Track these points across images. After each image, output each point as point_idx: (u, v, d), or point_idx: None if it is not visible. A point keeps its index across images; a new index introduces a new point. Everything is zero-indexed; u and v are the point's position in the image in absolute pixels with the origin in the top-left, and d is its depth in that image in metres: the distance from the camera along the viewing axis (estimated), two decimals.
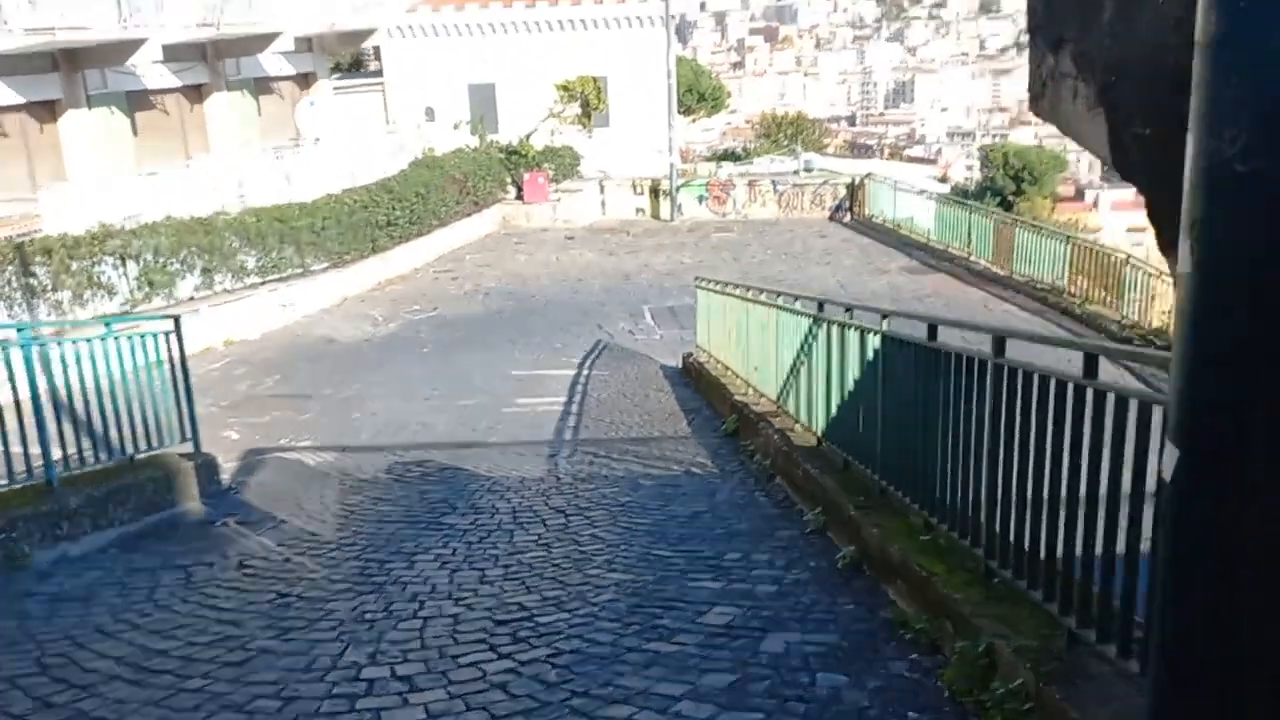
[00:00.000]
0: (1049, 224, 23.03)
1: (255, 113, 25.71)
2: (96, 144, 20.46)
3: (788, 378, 8.45)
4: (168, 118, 22.90)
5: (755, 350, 9.84)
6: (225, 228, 16.42)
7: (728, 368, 11.56)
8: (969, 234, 21.58)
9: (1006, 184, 40.57)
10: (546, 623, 4.78)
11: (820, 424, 7.28)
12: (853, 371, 6.40)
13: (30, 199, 17.45)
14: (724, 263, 22.54)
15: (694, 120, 49.64)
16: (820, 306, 7.27)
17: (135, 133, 21.89)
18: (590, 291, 20.35)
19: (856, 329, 6.26)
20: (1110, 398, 3.30)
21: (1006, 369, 4.11)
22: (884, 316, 5.77)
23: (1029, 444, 3.93)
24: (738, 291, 10.96)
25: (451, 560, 6.01)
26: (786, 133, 47.05)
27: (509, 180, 26.94)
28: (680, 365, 14.33)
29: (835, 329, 6.78)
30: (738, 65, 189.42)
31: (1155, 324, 17.15)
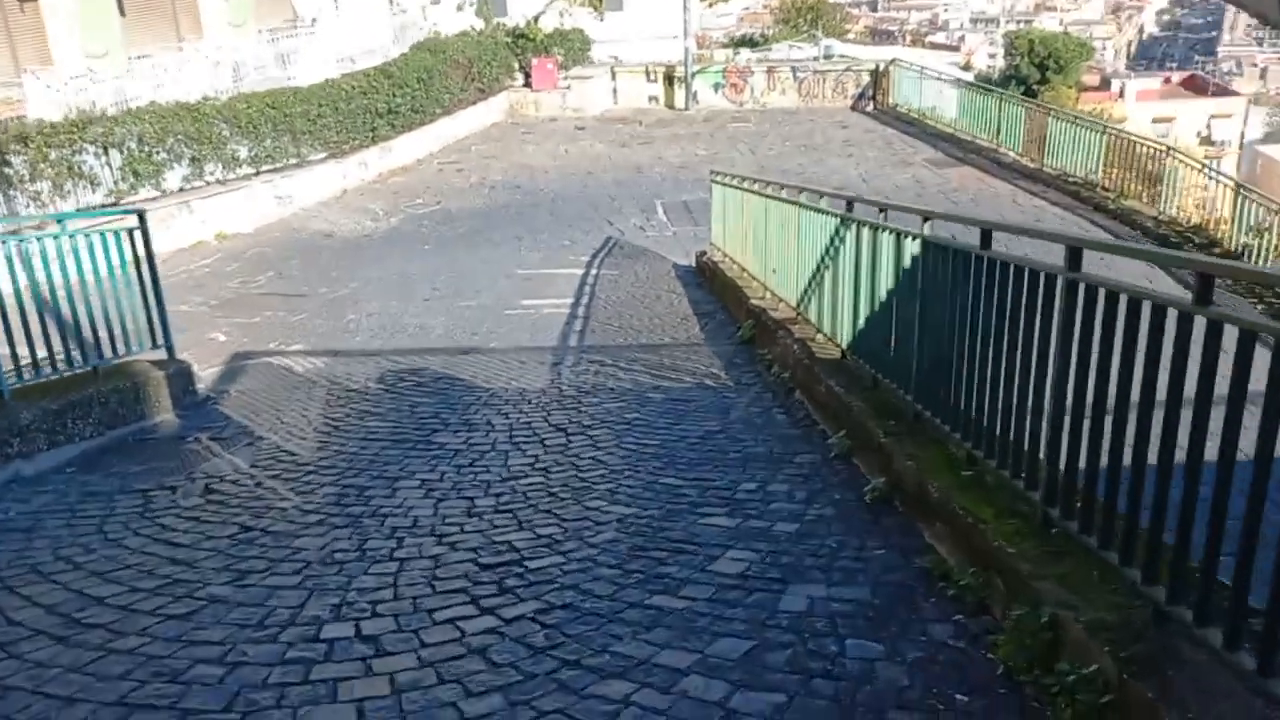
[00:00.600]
0: (1081, 114, 21.83)
1: None
2: (82, 25, 19.40)
3: (810, 283, 7.75)
4: None
5: (774, 251, 9.11)
6: (214, 115, 15.56)
7: (744, 269, 10.85)
8: (998, 124, 20.49)
9: (1031, 72, 38.91)
10: (538, 568, 4.22)
11: (845, 335, 6.61)
12: (886, 280, 5.70)
13: (14, 83, 16.58)
14: (740, 155, 21.58)
15: (710, 5, 47.78)
16: (849, 206, 6.51)
17: (123, 13, 20.76)
18: (601, 185, 19.48)
19: (892, 232, 5.53)
20: (1234, 332, 2.61)
21: (1084, 287, 3.42)
22: (925, 219, 5.04)
23: (1109, 375, 3.27)
24: (755, 187, 10.18)
25: (438, 487, 5.44)
26: (806, 18, 45.35)
27: (516, 66, 25.75)
28: (694, 264, 13.61)
29: (867, 231, 6.05)
30: None
31: (1194, 220, 16.28)
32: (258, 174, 16.68)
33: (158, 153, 14.63)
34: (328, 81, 18.60)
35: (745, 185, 10.73)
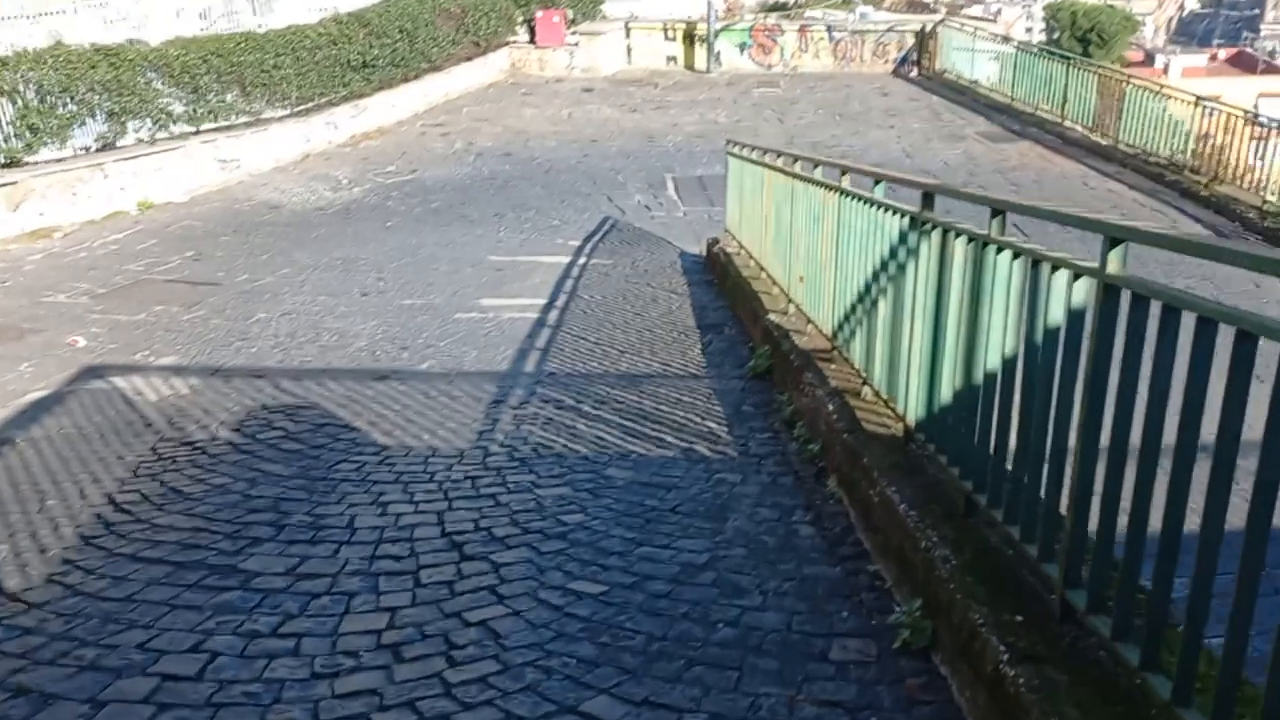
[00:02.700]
0: (1165, 84, 18.99)
1: None
2: None
3: (855, 307, 5.23)
4: None
5: (802, 251, 6.60)
6: (140, 60, 13.08)
7: (762, 267, 8.35)
8: (1063, 94, 17.73)
9: (1073, 46, 35.96)
10: None
11: (914, 403, 4.12)
12: (1005, 334, 3.19)
13: None
14: (766, 123, 18.94)
15: None
16: (928, 201, 3.97)
17: None
18: (605, 155, 16.92)
19: (1027, 258, 3.01)
20: None
21: None
22: (1114, 242, 2.50)
23: None
24: (780, 163, 7.64)
25: (188, 698, 3.01)
26: None
27: (520, 19, 23.10)
28: (705, 254, 11.12)
29: (963, 246, 3.54)
30: None
31: None
32: (198, 133, 14.23)
33: (64, 104, 12.18)
34: (290, 28, 16.08)
35: (768, 160, 8.20)
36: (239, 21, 18.28)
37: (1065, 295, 2.78)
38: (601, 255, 11.50)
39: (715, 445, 5.45)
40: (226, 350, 7.93)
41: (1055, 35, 40.39)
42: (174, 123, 13.83)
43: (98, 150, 12.85)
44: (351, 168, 15.81)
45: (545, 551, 4.05)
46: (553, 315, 8.89)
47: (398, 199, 14.21)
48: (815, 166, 6.30)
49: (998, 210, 3.25)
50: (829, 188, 5.83)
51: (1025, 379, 3.05)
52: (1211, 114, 14.86)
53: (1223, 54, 72.27)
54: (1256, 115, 14.96)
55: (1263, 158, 14.01)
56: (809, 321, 6.46)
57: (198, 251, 11.46)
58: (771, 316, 7.09)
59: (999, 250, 3.19)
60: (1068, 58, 17.93)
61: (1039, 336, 2.93)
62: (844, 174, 5.53)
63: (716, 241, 10.66)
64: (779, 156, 7.77)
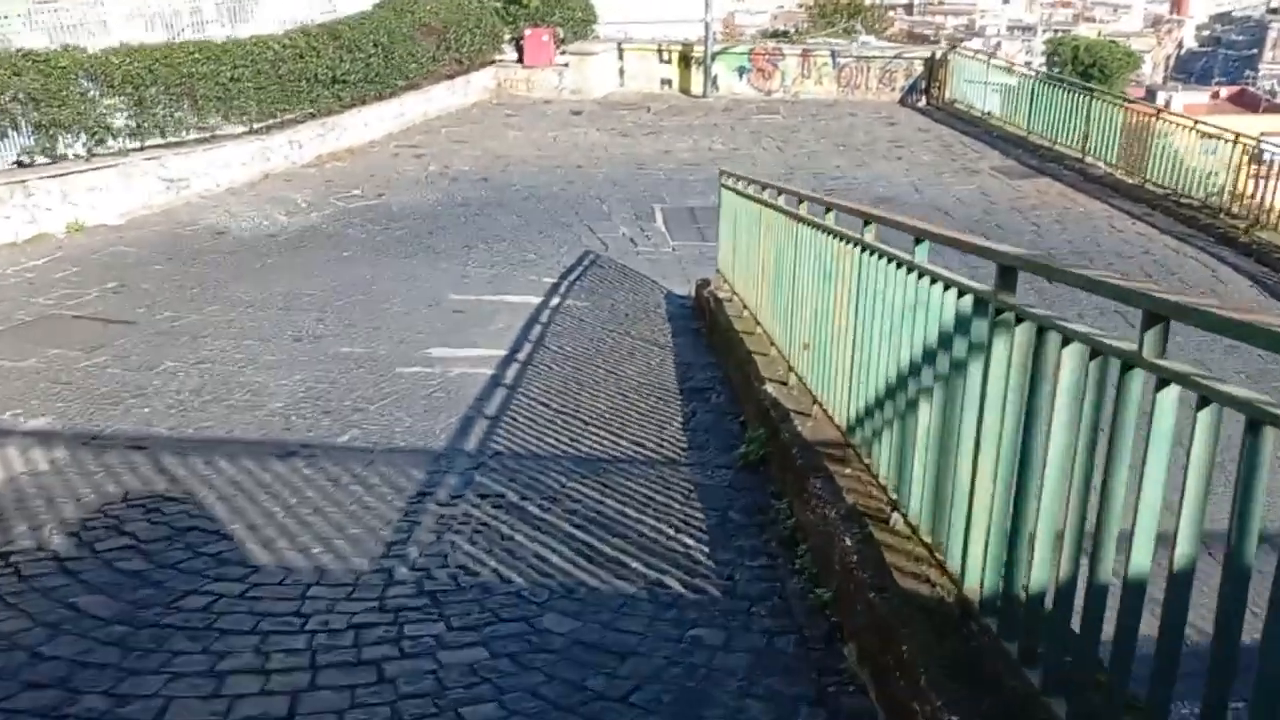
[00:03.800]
0: (1201, 119, 17.79)
1: None
2: None
3: (880, 399, 3.95)
4: None
5: (809, 313, 5.31)
6: (74, 68, 11.78)
7: (757, 321, 7.07)
8: (1086, 127, 16.52)
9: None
10: None
11: (978, 563, 2.84)
12: (1191, 507, 1.88)
13: None
14: (765, 152, 17.72)
15: None
16: (1006, 279, 2.66)
17: None
18: (590, 181, 15.66)
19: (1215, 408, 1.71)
20: None
21: None
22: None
23: None
24: (782, 200, 6.36)
25: None
26: (844, 14, 41.74)
27: (507, 36, 21.91)
28: (693, 297, 9.86)
29: (1077, 357, 2.23)
30: None
31: None
32: (141, 149, 12.93)
33: None
34: (252, 38, 14.82)
35: (767, 196, 6.92)
36: (207, 33, 17.12)
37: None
38: (578, 295, 10.21)
39: (692, 576, 4.12)
40: (114, 410, 6.60)
41: (1056, 70, 39.50)
42: (114, 137, 12.54)
43: (21, 166, 11.54)
44: (313, 190, 14.52)
45: None
46: (511, 372, 7.57)
47: (359, 226, 12.91)
48: (827, 211, 4.99)
49: (1156, 316, 1.93)
50: (845, 239, 4.54)
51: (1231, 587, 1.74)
52: (1258, 154, 13.66)
53: (1224, 92, 71.68)
54: None
55: None
56: (814, 401, 5.16)
57: (121, 282, 10.14)
58: (768, 388, 5.79)
59: (1163, 383, 1.89)
60: (1091, 90, 16.74)
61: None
62: (867, 224, 4.23)
63: (707, 284, 9.39)
64: (780, 194, 6.49)
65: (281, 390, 7.04)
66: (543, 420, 6.41)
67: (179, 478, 5.34)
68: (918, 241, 3.46)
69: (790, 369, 5.84)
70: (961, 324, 3.01)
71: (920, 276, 3.39)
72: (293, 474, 5.44)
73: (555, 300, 9.98)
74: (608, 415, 6.52)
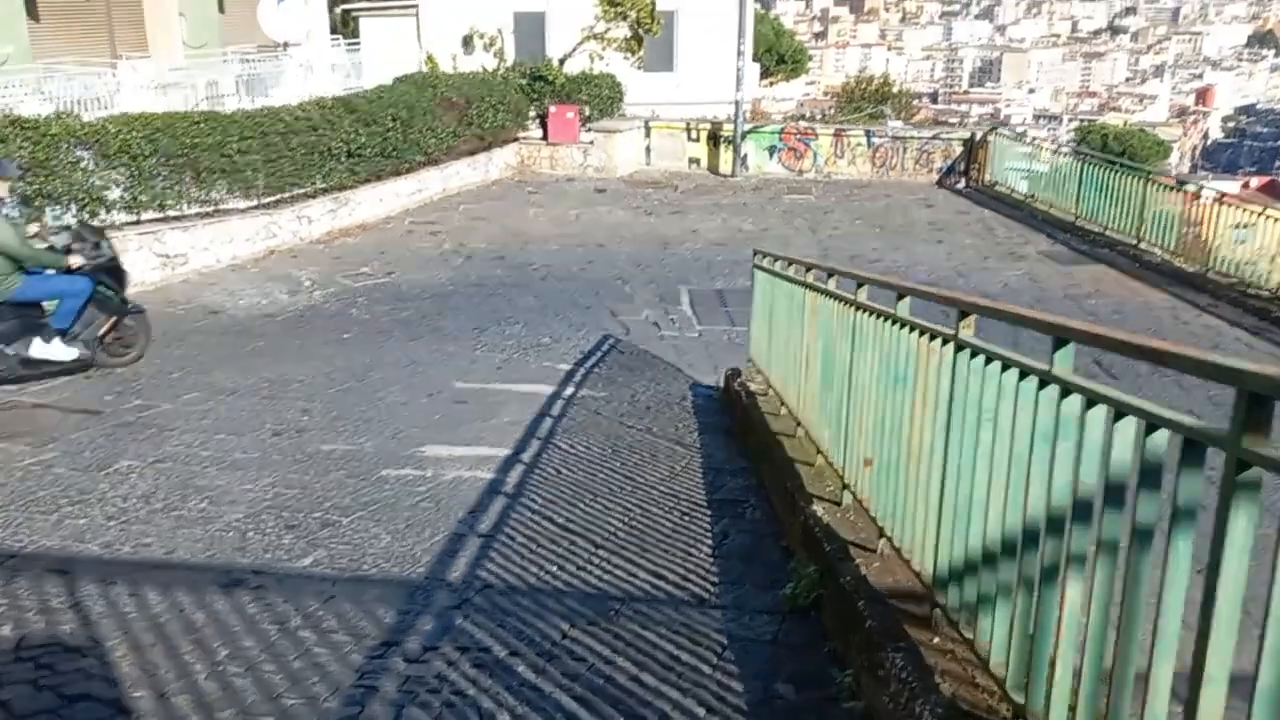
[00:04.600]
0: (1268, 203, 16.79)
1: (216, 9, 20.46)
2: None
3: (992, 552, 2.89)
4: (88, 4, 17.75)
5: (872, 422, 4.29)
6: (65, 136, 11.10)
7: (798, 422, 6.08)
8: (1139, 212, 15.57)
9: None
10: None
11: None
12: None
13: None
14: (796, 233, 16.87)
15: (771, 84, 44.36)
16: (1259, 411, 1.66)
17: (35, 18, 16.76)
18: (612, 262, 14.82)
19: None
20: None
21: None
22: None
23: None
24: (832, 284, 5.39)
25: None
26: (871, 100, 41.58)
27: (531, 113, 21.36)
28: (722, 387, 8.90)
29: None
30: (820, 35, 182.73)
31: None
32: (137, 223, 12.19)
33: None
34: (262, 109, 14.21)
35: (811, 278, 5.97)
36: (225, 105, 16.65)
37: None
38: (595, 385, 9.23)
39: None
40: (44, 521, 5.61)
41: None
42: (107, 210, 11.80)
43: None
44: (319, 268, 13.73)
45: None
46: (514, 476, 6.55)
47: (364, 306, 12.06)
48: (900, 297, 3.99)
49: None
50: (930, 333, 3.53)
51: None
52: None
53: (1255, 181, 70.87)
54: None
55: None
56: (880, 532, 4.11)
57: (96, 366, 9.25)
58: (817, 509, 4.75)
59: None
60: (1147, 172, 15.83)
61: None
62: (964, 315, 3.22)
63: (737, 374, 8.41)
64: (830, 276, 5.51)
65: (244, 497, 6.04)
66: (544, 540, 5.36)
67: (93, 618, 4.32)
68: (1059, 343, 2.45)
69: (845, 486, 4.80)
70: (1150, 474, 1.98)
71: (1065, 393, 2.37)
72: (232, 613, 4.40)
73: (570, 390, 9.01)
74: (623, 535, 5.47)
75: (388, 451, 7.04)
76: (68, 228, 8.56)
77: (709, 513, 5.87)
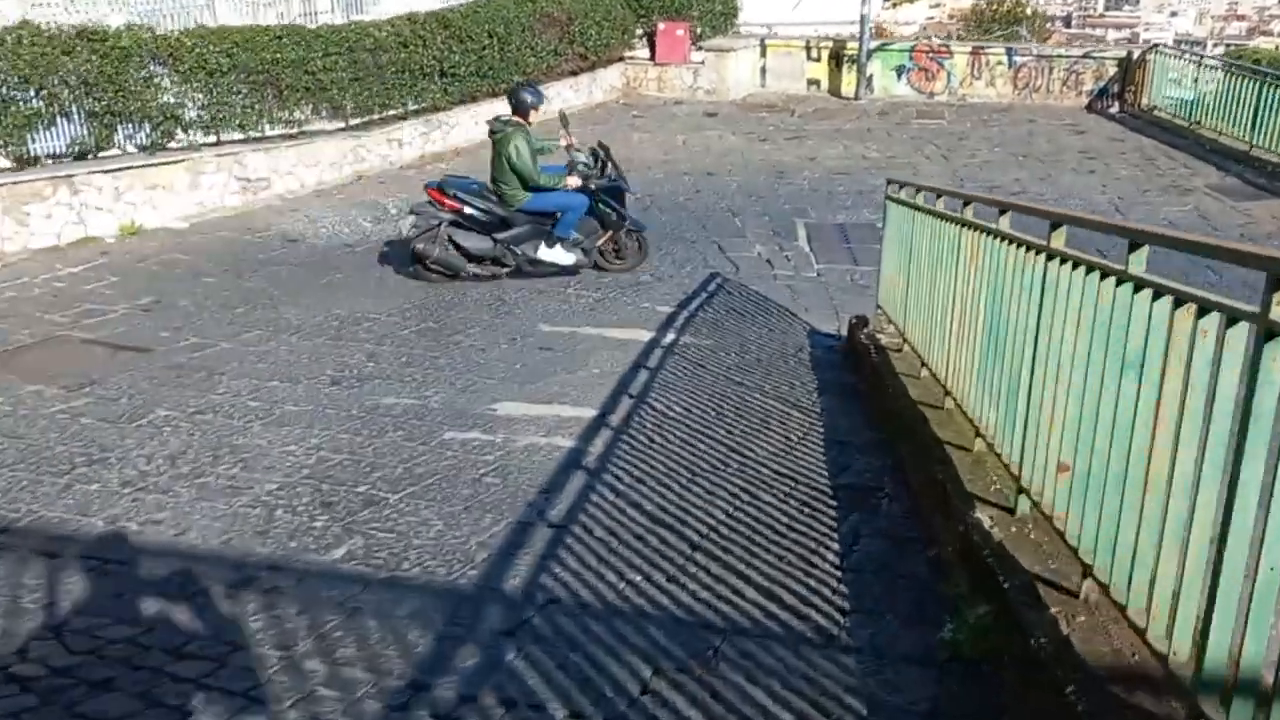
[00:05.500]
0: None
1: None
2: None
3: None
4: None
5: (1072, 410, 3.08)
6: (136, 49, 10.34)
7: (947, 390, 4.89)
8: None
9: None
10: None
11: None
12: None
13: None
14: (927, 160, 15.30)
15: (895, 5, 41.72)
16: None
17: None
18: (722, 192, 13.56)
19: None
20: None
21: None
22: None
23: None
24: (1005, 221, 4.14)
25: None
26: (1003, 22, 38.53)
27: (638, 31, 20.01)
28: (845, 337, 7.70)
29: None
30: None
31: None
32: (217, 144, 11.47)
33: (22, 99, 9.49)
34: (350, 24, 13.29)
35: (969, 214, 4.71)
36: (319, 21, 15.78)
37: None
38: (698, 332, 8.12)
39: None
40: (51, 486, 4.83)
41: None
42: (185, 130, 11.09)
43: (70, 159, 10.15)
44: (409, 194, 12.79)
45: None
46: (597, 446, 5.52)
47: None
48: (1134, 247, 2.75)
49: None
50: (1200, 306, 2.31)
51: None
52: None
53: None
54: None
55: None
56: (1086, 570, 2.94)
57: (158, 297, 8.56)
58: (983, 518, 3.61)
59: None
60: None
61: None
62: (1278, 288, 1.99)
63: (865, 323, 7.20)
64: (1004, 213, 4.24)
65: (282, 462, 5.17)
66: (629, 535, 4.33)
67: (64, 625, 3.47)
68: None
69: (1021, 489, 3.61)
70: None
71: None
72: (229, 626, 3.51)
73: (669, 336, 7.92)
74: (725, 531, 4.40)
75: (455, 408, 6.09)
76: (592, 150, 9.65)
77: (833, 503, 4.74)
